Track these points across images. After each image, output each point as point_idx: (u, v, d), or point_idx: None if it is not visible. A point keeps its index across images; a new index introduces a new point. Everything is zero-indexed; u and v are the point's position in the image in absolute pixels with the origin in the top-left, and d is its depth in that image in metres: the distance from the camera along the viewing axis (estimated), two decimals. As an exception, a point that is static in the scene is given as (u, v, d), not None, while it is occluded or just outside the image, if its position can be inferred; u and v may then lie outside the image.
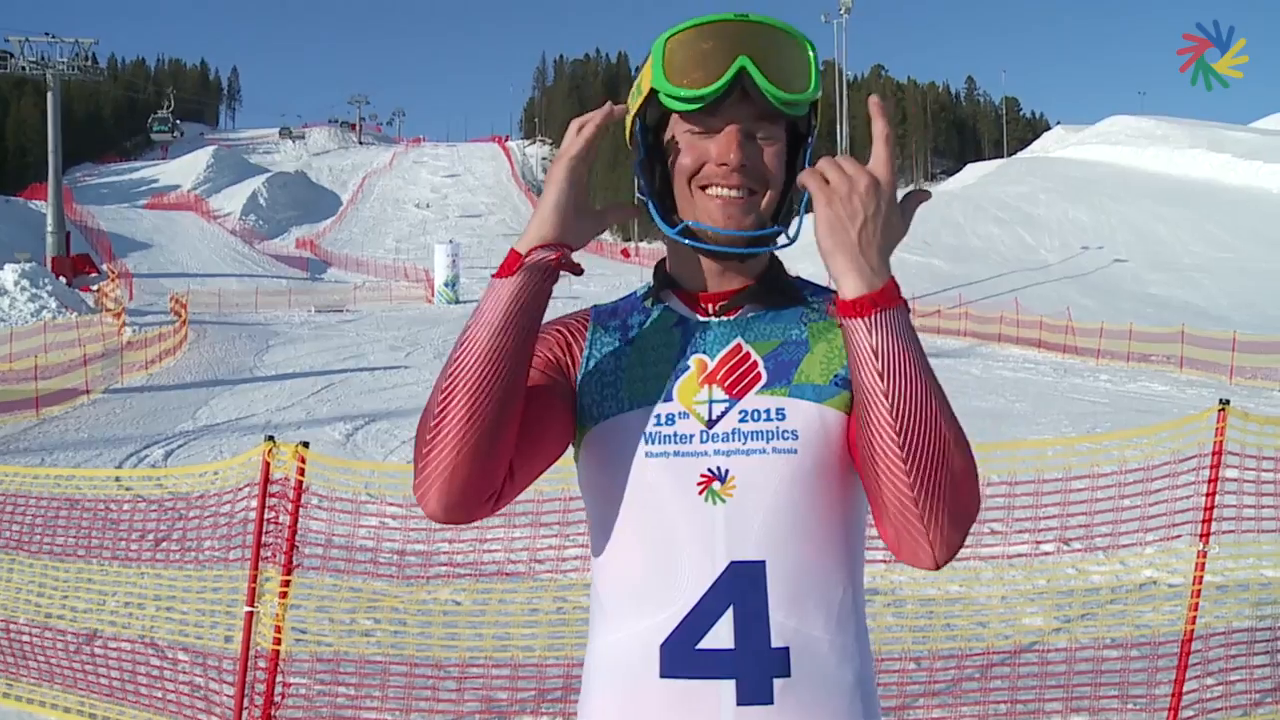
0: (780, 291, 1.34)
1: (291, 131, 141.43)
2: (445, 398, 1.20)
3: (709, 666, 1.19)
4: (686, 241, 1.29)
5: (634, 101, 1.34)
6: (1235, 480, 4.29)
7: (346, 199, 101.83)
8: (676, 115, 1.29)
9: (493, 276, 1.24)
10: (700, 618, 1.21)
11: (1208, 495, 4.07)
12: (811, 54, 1.28)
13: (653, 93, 1.29)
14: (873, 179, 1.15)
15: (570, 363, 1.36)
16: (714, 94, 1.23)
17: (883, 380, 1.12)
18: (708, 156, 1.26)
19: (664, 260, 1.39)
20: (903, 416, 1.12)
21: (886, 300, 1.13)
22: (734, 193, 1.26)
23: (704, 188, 1.27)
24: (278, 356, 25.12)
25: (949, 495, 1.13)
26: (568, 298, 42.42)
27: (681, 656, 1.21)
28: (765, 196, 1.28)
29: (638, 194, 1.35)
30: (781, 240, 1.34)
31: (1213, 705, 4.24)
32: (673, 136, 1.30)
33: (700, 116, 1.26)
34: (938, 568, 1.18)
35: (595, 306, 1.44)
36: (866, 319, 1.13)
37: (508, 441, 1.22)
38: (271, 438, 4.30)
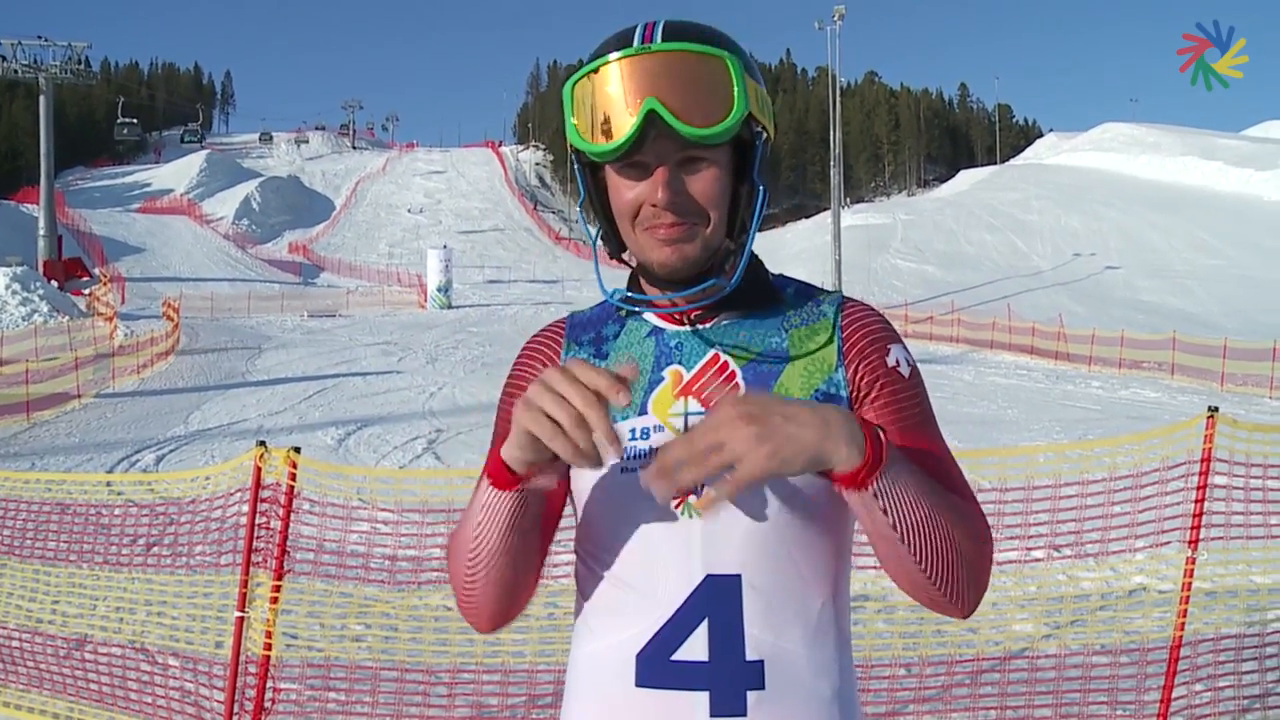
0: (759, 296, 1.31)
1: (272, 137, 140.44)
2: (469, 591, 1.31)
3: (683, 678, 1.19)
4: (626, 308, 1.31)
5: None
6: (1224, 487, 4.31)
7: (339, 204, 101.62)
8: None
9: (487, 479, 1.19)
10: (676, 629, 1.21)
11: (1197, 502, 4.10)
12: (733, 69, 1.17)
13: None
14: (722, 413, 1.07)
15: None
16: (624, 146, 1.17)
17: (902, 540, 1.15)
18: (643, 198, 1.22)
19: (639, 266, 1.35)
20: (924, 558, 1.16)
21: (874, 466, 1.10)
22: (673, 231, 1.22)
23: (646, 229, 1.24)
24: (270, 361, 25.10)
25: (971, 582, 1.21)
26: (561, 303, 42.49)
27: (656, 667, 1.21)
28: (710, 224, 1.23)
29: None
30: (723, 287, 1.28)
31: (1201, 711, 4.26)
32: (610, 175, 1.26)
33: (627, 160, 1.20)
34: (967, 618, 1.26)
35: (570, 316, 1.42)
36: (864, 491, 1.11)
37: (532, 581, 1.34)
38: (263, 443, 4.30)
